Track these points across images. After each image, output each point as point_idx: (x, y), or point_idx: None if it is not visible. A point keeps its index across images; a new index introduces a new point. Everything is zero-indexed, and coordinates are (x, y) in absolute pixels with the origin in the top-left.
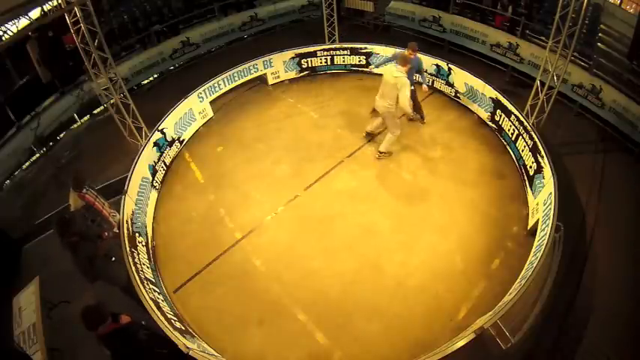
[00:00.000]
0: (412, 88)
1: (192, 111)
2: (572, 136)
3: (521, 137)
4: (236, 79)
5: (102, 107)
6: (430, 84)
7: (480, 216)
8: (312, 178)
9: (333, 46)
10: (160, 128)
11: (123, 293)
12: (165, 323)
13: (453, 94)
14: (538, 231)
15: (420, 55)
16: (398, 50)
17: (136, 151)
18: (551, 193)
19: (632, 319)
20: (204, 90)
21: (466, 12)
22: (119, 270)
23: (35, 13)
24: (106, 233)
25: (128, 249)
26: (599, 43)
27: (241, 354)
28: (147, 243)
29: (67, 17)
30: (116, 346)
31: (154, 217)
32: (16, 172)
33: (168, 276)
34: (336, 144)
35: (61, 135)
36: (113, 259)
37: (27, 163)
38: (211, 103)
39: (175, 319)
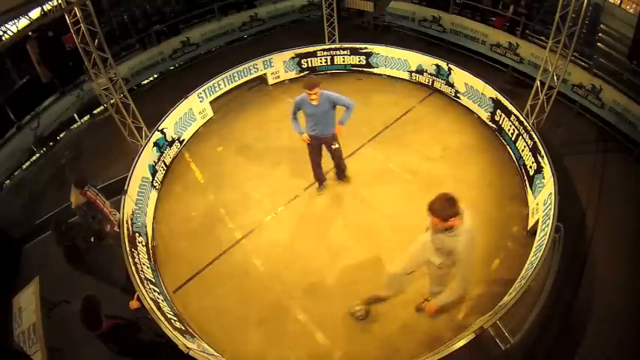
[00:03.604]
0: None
1: (192, 111)
2: (572, 136)
3: (521, 137)
4: (236, 79)
5: (102, 107)
6: (431, 84)
7: (480, 216)
8: (312, 178)
9: (333, 46)
10: (160, 128)
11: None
12: (166, 323)
13: (453, 94)
14: (538, 231)
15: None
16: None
17: (136, 151)
18: (551, 193)
19: (632, 319)
20: (204, 90)
21: (466, 12)
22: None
23: (35, 13)
24: (108, 226)
25: (128, 249)
26: (599, 43)
27: (241, 354)
28: (147, 243)
29: (67, 17)
30: (119, 338)
31: (153, 217)
32: (16, 172)
33: (168, 276)
34: None
35: (61, 135)
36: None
37: (27, 163)
38: (211, 103)
39: (175, 319)
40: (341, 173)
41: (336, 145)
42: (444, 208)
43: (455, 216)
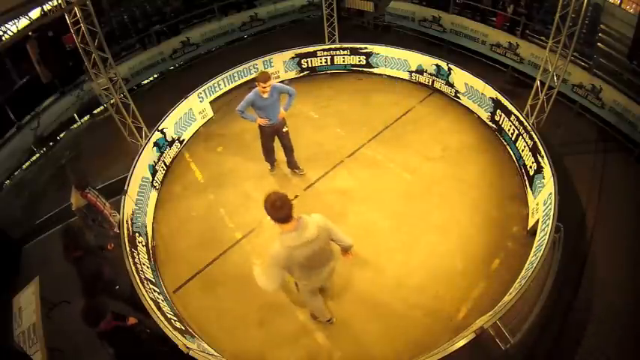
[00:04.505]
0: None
1: (192, 111)
2: (572, 136)
3: (521, 137)
4: (236, 79)
5: (102, 107)
6: (431, 84)
7: (480, 216)
8: (312, 178)
9: (333, 46)
10: (160, 128)
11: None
12: (165, 323)
13: (453, 94)
14: (538, 231)
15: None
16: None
17: (136, 151)
18: (551, 193)
19: (632, 319)
20: (204, 90)
21: (466, 12)
22: (121, 294)
23: (35, 13)
24: (111, 246)
25: (128, 249)
26: (599, 43)
27: (241, 354)
28: (147, 243)
29: (67, 17)
30: (118, 343)
31: (153, 217)
32: (16, 172)
33: (168, 276)
34: (336, 144)
35: (61, 135)
36: (117, 287)
37: (27, 163)
38: (211, 103)
39: (175, 319)
40: (290, 155)
41: (286, 129)
42: (268, 208)
43: (274, 220)
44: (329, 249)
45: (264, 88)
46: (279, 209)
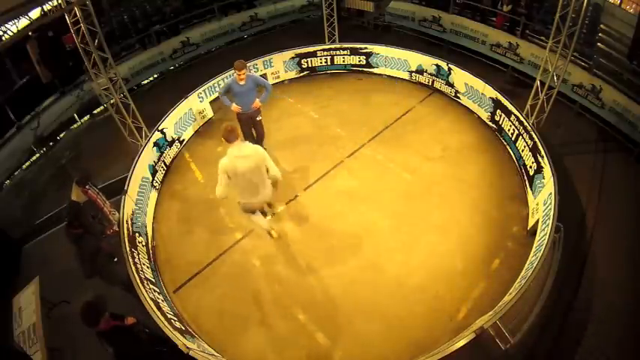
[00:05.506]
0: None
1: (192, 111)
2: (572, 136)
3: (521, 137)
4: None
5: (102, 107)
6: (431, 84)
7: (480, 216)
8: (312, 178)
9: (333, 46)
10: (159, 128)
11: (123, 291)
12: (165, 323)
13: (453, 94)
14: (538, 231)
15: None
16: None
17: (136, 151)
18: (551, 193)
19: (632, 319)
20: (204, 90)
21: (466, 12)
22: (119, 270)
23: (35, 13)
24: (111, 230)
25: (128, 249)
26: (599, 43)
27: (241, 354)
28: (147, 243)
29: (67, 17)
30: (117, 343)
31: (153, 217)
32: (16, 172)
33: (168, 276)
34: (336, 144)
35: (61, 135)
36: (115, 259)
37: (27, 163)
38: (211, 103)
39: (175, 319)
40: (260, 142)
41: (260, 118)
42: (223, 131)
43: (225, 140)
44: (264, 173)
45: (239, 75)
46: (230, 132)
